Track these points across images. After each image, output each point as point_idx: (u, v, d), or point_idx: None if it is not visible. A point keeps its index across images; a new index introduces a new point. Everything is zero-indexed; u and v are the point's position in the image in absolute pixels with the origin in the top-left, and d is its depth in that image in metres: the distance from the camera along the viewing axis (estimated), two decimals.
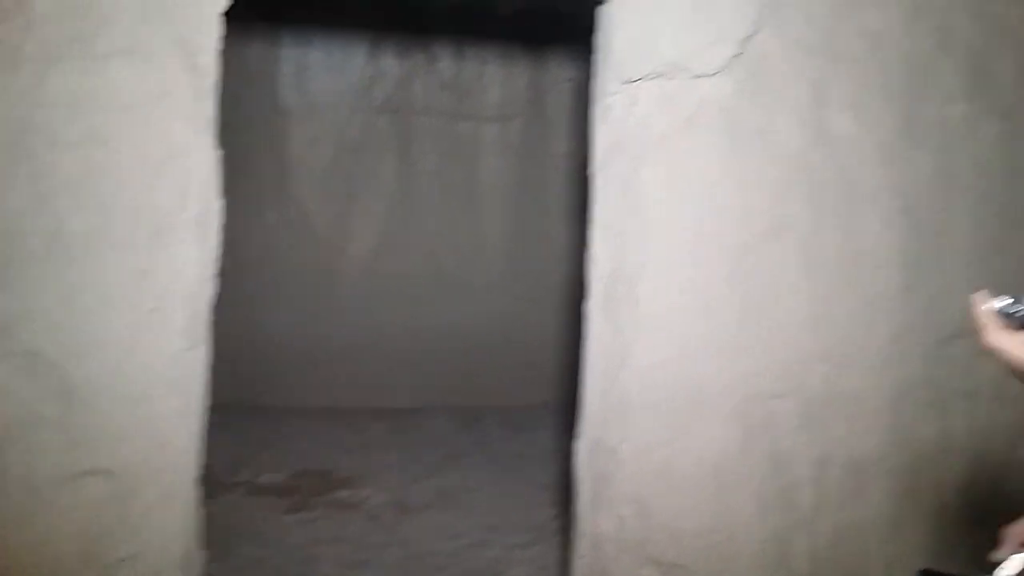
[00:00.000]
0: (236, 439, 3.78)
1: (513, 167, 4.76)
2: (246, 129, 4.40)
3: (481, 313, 4.84)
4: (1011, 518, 1.11)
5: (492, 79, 4.71)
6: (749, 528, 2.08)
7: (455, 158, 4.75)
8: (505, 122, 4.70)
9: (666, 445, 2.03)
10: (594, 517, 2.09)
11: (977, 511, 2.17)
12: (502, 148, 4.74)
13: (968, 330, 2.17)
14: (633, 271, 1.95)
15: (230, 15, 1.76)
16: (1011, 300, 0.89)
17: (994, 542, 1.04)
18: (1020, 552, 1.04)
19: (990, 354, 0.88)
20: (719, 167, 1.92)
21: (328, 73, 4.58)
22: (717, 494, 2.06)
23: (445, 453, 4.03)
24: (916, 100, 2.02)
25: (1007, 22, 2.04)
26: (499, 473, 3.81)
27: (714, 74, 1.85)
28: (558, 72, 4.70)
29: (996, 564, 1.03)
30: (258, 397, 4.36)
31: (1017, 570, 0.99)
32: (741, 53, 1.86)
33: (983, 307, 0.90)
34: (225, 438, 3.49)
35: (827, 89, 1.97)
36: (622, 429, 2.02)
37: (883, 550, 2.11)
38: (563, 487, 3.08)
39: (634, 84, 1.87)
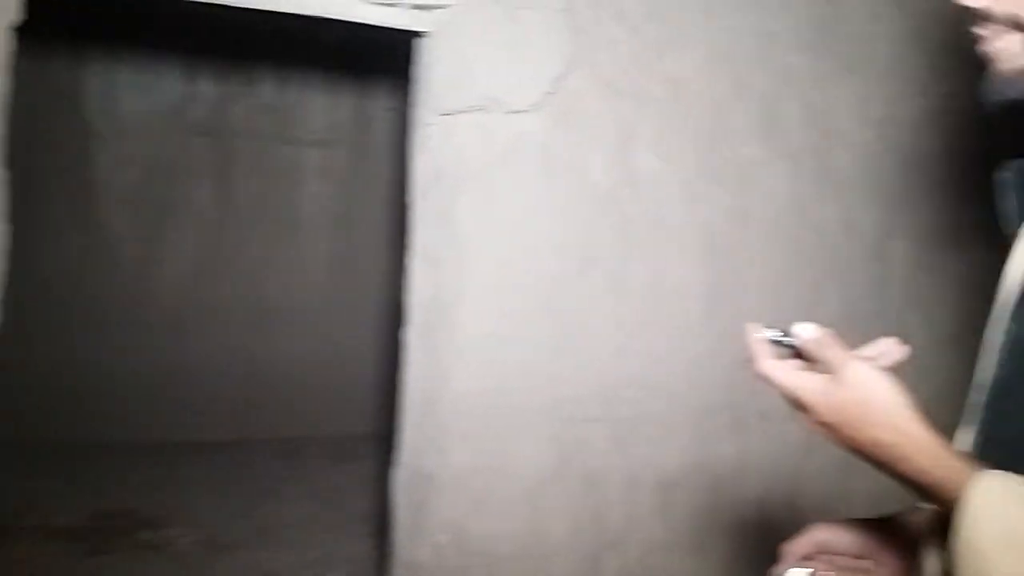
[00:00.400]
0: (24, 479, 3.51)
1: (337, 193, 4.71)
2: (49, 150, 4.13)
3: (303, 342, 4.74)
4: (796, 533, 1.20)
5: (315, 104, 4.66)
6: (563, 549, 2.13)
7: (276, 183, 4.65)
8: (328, 148, 4.66)
9: (483, 471, 2.06)
10: (411, 546, 2.08)
11: (773, 525, 2.33)
12: (325, 174, 4.69)
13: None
14: (451, 299, 1.97)
15: (27, 30, 1.66)
16: (779, 331, 0.93)
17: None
18: (798, 567, 1.11)
19: (761, 381, 0.92)
20: (534, 200, 1.99)
21: (139, 93, 4.38)
22: (533, 517, 2.11)
23: (262, 487, 3.90)
24: (714, 142, 2.17)
25: (793, 71, 2.24)
26: (319, 506, 3.72)
27: (529, 110, 1.92)
28: (382, 100, 4.71)
29: None
30: (56, 433, 4.06)
31: None
32: (555, 92, 1.94)
33: (754, 337, 0.93)
34: (8, 478, 3.22)
35: (634, 130, 2.08)
36: (440, 456, 2.04)
37: (687, 565, 2.23)
38: (384, 517, 3.05)
39: (451, 116, 1.91)
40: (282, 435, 4.58)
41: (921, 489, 0.82)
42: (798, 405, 0.88)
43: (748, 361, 0.89)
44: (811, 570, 1.05)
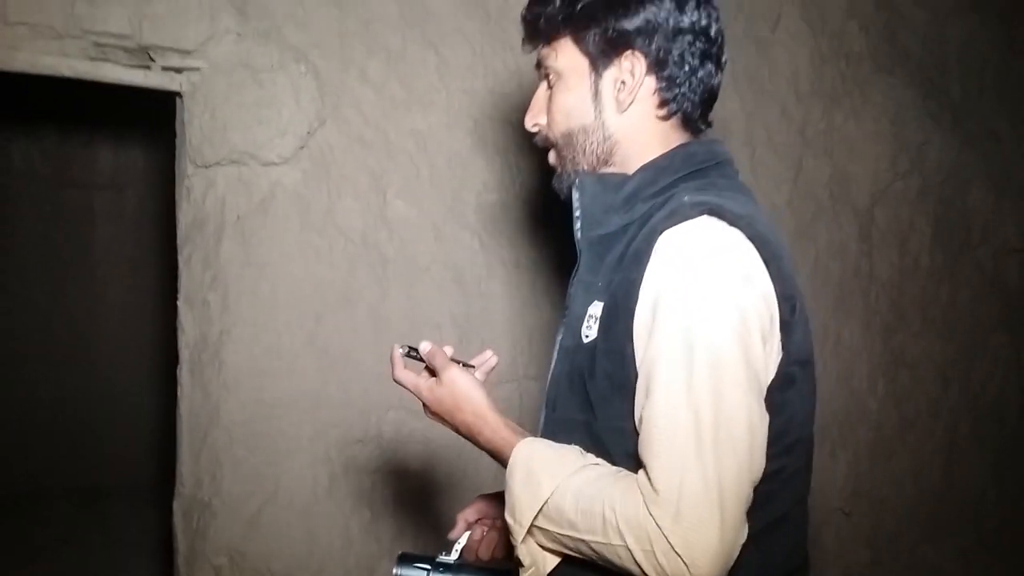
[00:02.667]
0: None
1: (129, 236, 4.70)
2: None
3: (99, 386, 4.67)
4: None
5: (103, 145, 4.64)
6: (336, 563, 2.32)
7: (64, 225, 4.58)
8: (118, 191, 4.64)
9: (257, 494, 2.22)
10: (191, 570, 2.21)
11: None
12: (115, 217, 4.66)
13: (515, 376, 2.60)
14: (217, 338, 2.13)
15: None
16: (409, 347, 1.27)
17: None
18: (468, 531, 1.40)
19: (397, 384, 1.27)
20: (293, 244, 2.19)
21: None
22: (306, 535, 2.28)
23: (59, 537, 3.83)
24: (459, 189, 2.44)
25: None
26: (120, 553, 3.71)
27: (282, 163, 2.12)
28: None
29: (452, 542, 1.36)
30: None
31: (462, 544, 1.35)
32: (306, 146, 2.15)
33: (393, 352, 1.26)
34: None
35: (386, 178, 2.33)
36: (214, 484, 2.18)
37: None
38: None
39: (210, 168, 2.08)
40: (81, 484, 4.49)
41: (493, 455, 1.18)
42: (420, 400, 1.25)
43: (391, 371, 1.27)
44: (469, 532, 1.35)
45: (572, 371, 1.18)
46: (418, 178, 2.37)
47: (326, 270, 2.25)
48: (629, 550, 1.00)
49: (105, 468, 4.56)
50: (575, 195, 1.23)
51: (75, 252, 4.52)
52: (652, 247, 1.07)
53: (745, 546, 1.02)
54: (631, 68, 1.18)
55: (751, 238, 1.07)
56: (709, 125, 1.27)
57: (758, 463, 1.03)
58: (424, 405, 1.25)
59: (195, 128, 2.07)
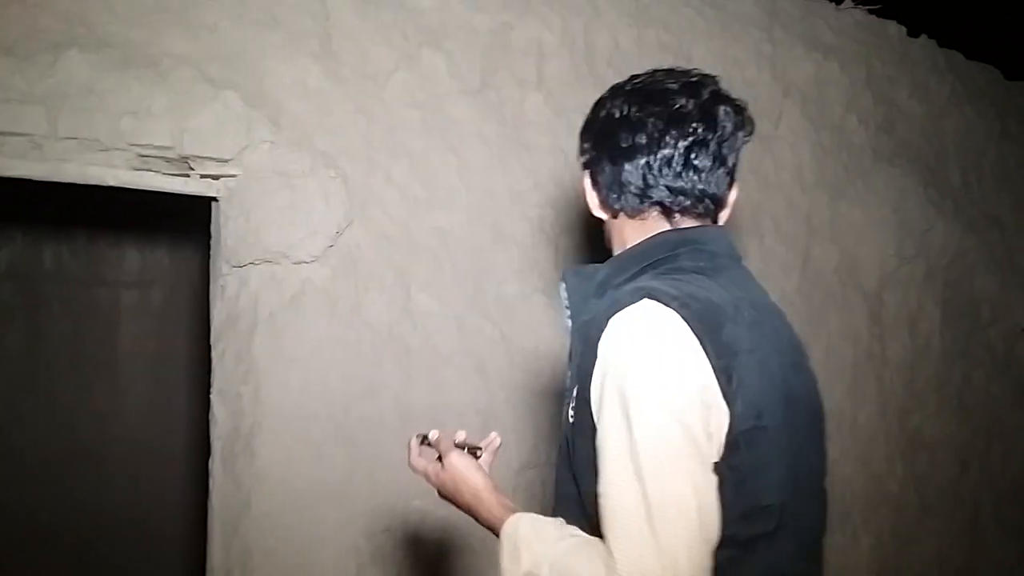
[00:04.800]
0: None
1: (153, 334, 4.79)
2: None
3: (120, 487, 4.67)
4: None
5: (130, 245, 4.76)
6: None
7: (90, 324, 4.68)
8: (144, 288, 4.76)
9: None
10: None
11: None
12: (141, 314, 4.76)
13: (536, 463, 2.65)
14: (248, 430, 2.21)
15: None
16: (424, 435, 1.44)
17: None
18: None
19: (414, 471, 1.44)
20: (322, 338, 2.28)
21: None
22: None
23: None
24: (480, 281, 2.54)
25: (545, 223, 2.67)
26: None
27: (312, 261, 2.23)
28: (193, 247, 4.88)
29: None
30: None
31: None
32: (334, 244, 2.26)
33: (410, 441, 1.45)
34: None
35: (410, 273, 2.43)
36: (245, 574, 2.22)
37: None
38: None
39: (243, 268, 2.19)
40: None
41: (491, 531, 1.30)
42: (429, 484, 1.41)
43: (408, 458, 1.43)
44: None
45: (563, 449, 1.30)
46: (440, 272, 2.47)
47: (353, 362, 2.33)
48: None
49: (132, 566, 4.55)
50: (562, 287, 1.38)
51: (99, 351, 4.61)
52: (600, 333, 1.19)
53: None
54: (584, 181, 1.41)
55: (685, 317, 1.15)
56: (704, 210, 1.32)
57: (710, 528, 1.10)
58: (434, 486, 1.41)
59: (230, 230, 2.19)
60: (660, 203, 1.30)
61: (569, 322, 1.35)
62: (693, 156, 1.28)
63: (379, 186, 2.37)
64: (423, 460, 1.42)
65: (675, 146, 1.28)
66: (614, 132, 1.31)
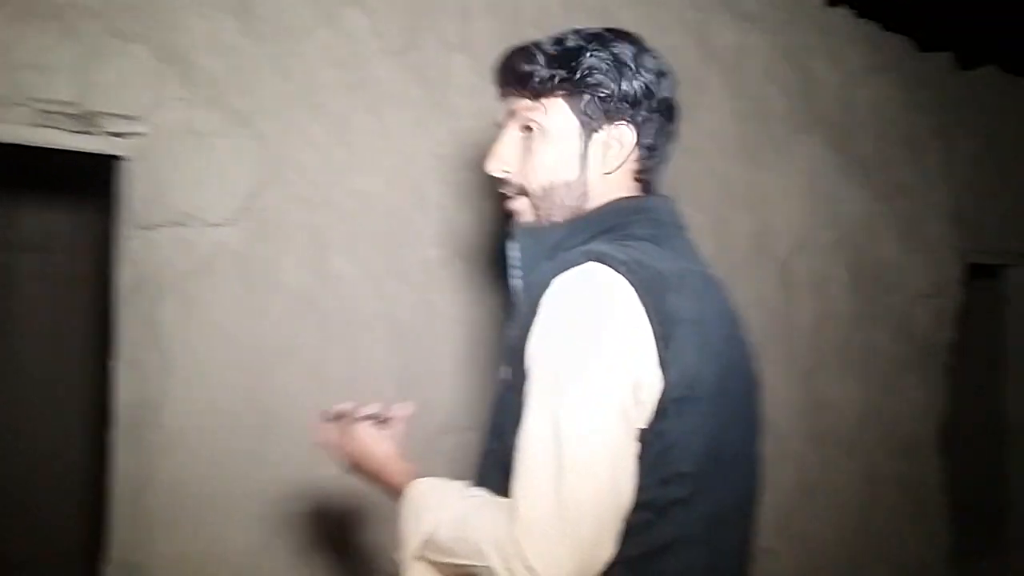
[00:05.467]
0: None
1: (52, 299, 4.55)
2: None
3: (23, 456, 4.48)
4: None
5: (29, 206, 4.51)
6: None
7: None
8: (44, 252, 4.52)
9: (193, 555, 2.21)
10: None
11: None
12: (40, 279, 4.52)
13: (456, 427, 2.66)
14: (155, 398, 2.14)
15: None
16: (328, 410, 1.44)
17: None
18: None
19: (322, 448, 1.44)
20: (233, 302, 2.21)
21: None
22: None
23: None
24: (400, 246, 2.50)
25: (468, 188, 2.63)
26: None
27: (225, 223, 2.15)
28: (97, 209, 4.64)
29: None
30: None
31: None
32: (248, 206, 2.18)
33: (317, 417, 1.45)
34: None
35: (327, 236, 2.37)
36: (148, 547, 2.17)
37: None
38: None
39: (151, 230, 2.10)
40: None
41: (394, 494, 1.31)
42: (337, 457, 1.42)
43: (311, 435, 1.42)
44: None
45: (494, 407, 1.29)
46: (359, 236, 2.42)
47: (267, 327, 2.28)
48: (493, 570, 1.10)
49: (29, 537, 4.40)
50: (512, 245, 1.34)
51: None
52: (543, 293, 1.18)
53: (618, 570, 1.12)
54: (620, 136, 1.28)
55: (632, 282, 1.15)
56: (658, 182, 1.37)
57: (623, 490, 1.11)
58: (339, 458, 1.42)
59: (137, 191, 2.09)
60: (645, 168, 1.32)
61: (519, 282, 1.31)
62: (674, 122, 1.33)
63: (296, 147, 2.30)
64: (328, 435, 1.43)
65: (669, 108, 1.33)
66: (655, 89, 1.29)
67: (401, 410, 1.47)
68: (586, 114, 1.27)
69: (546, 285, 1.18)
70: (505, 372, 1.25)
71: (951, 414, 4.18)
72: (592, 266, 1.16)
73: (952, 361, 4.18)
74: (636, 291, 1.14)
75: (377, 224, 2.46)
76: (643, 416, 1.13)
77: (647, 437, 1.13)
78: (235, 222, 2.19)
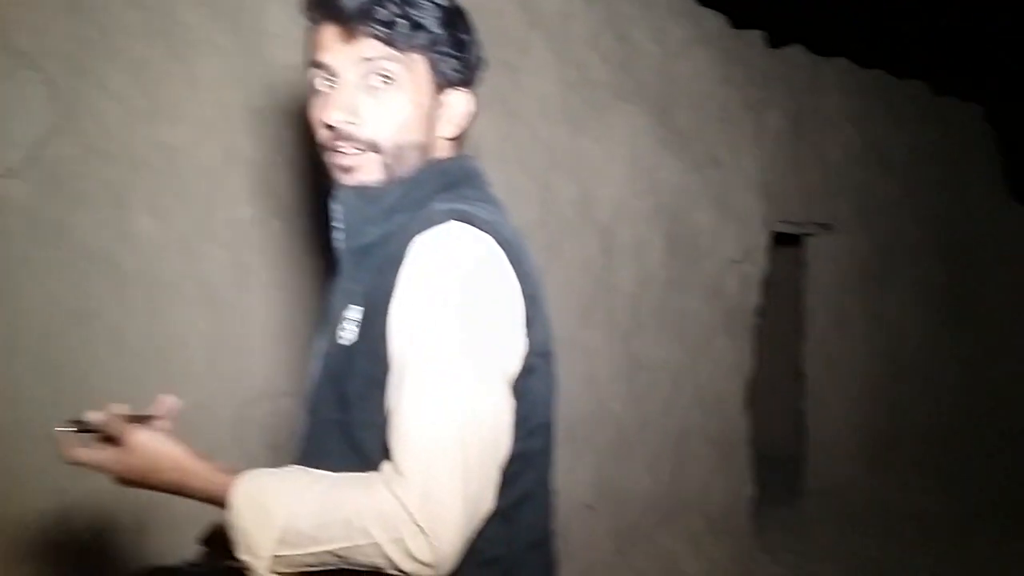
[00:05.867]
0: None
1: None
2: None
3: None
4: None
5: None
6: None
7: None
8: None
9: None
10: None
11: None
12: None
13: (271, 393, 2.57)
14: None
15: None
16: (78, 420, 1.18)
17: None
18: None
19: (81, 467, 1.18)
20: (20, 260, 2.03)
21: None
22: (38, 571, 2.14)
23: None
24: (210, 204, 2.37)
25: (284, 144, 2.53)
26: None
27: (8, 175, 1.97)
28: None
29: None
30: None
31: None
32: (35, 157, 2.01)
33: (57, 431, 1.18)
34: None
35: (128, 192, 2.22)
36: None
37: None
38: None
39: None
40: None
41: (211, 502, 1.16)
42: (107, 473, 1.17)
43: (61, 454, 1.16)
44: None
45: (330, 374, 1.21)
46: (164, 192, 2.28)
47: (58, 287, 2.11)
48: (377, 544, 1.04)
49: None
50: (335, 206, 1.26)
51: None
52: (406, 252, 1.14)
53: (493, 522, 1.12)
54: (465, 102, 1.28)
55: (498, 241, 1.15)
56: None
57: (504, 445, 1.12)
58: (111, 476, 1.17)
59: None
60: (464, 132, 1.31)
61: (342, 244, 1.26)
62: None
63: (91, 93, 2.12)
64: (88, 451, 1.17)
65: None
66: (478, 47, 1.29)
67: (164, 405, 1.27)
68: (442, 76, 1.24)
69: (403, 244, 1.14)
70: (345, 337, 1.19)
71: (756, 373, 4.46)
72: (459, 226, 1.13)
73: (758, 323, 4.45)
74: (503, 250, 1.15)
75: (184, 180, 2.32)
76: (514, 372, 1.15)
77: (517, 393, 1.15)
78: (21, 173, 2.01)
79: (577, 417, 3.42)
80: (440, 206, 1.17)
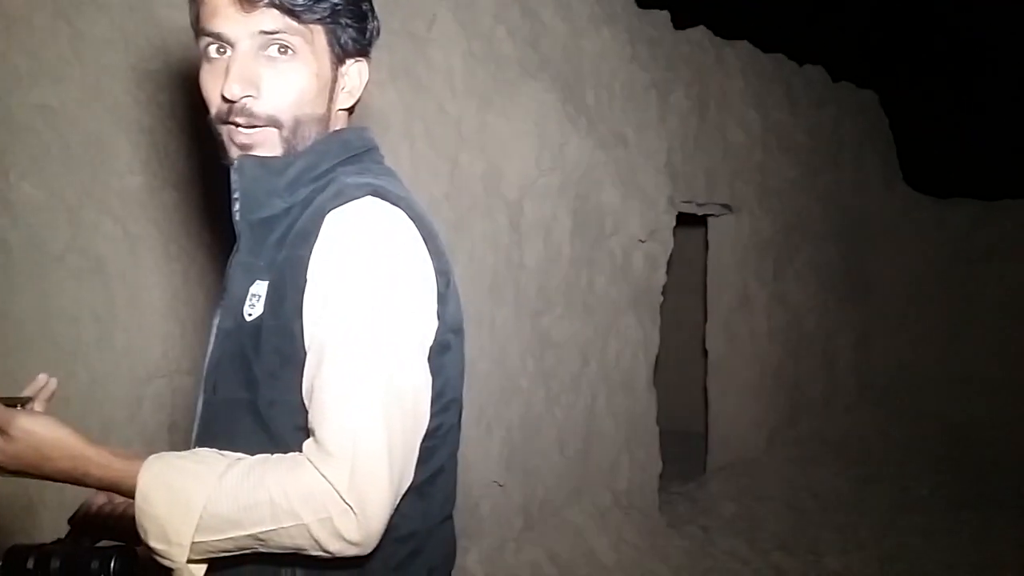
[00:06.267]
0: None
1: None
2: None
3: None
4: None
5: None
6: None
7: None
8: None
9: None
10: None
11: None
12: None
13: (166, 371, 2.47)
14: None
15: None
16: None
17: None
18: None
19: None
20: None
21: None
22: None
23: None
24: (98, 171, 2.26)
25: (177, 108, 2.43)
26: None
27: None
28: None
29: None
30: None
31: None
32: None
33: None
34: None
35: (8, 157, 2.09)
36: None
37: None
38: None
39: None
40: None
41: (112, 489, 1.09)
42: None
43: None
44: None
45: (234, 351, 1.17)
46: (48, 158, 2.16)
47: None
48: (304, 525, 1.02)
49: None
50: (234, 177, 1.21)
51: None
52: (319, 227, 1.11)
53: (409, 497, 1.11)
54: (361, 72, 1.25)
55: (411, 217, 1.14)
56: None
57: (424, 421, 1.12)
58: None
59: None
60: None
61: (237, 215, 1.21)
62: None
63: None
64: None
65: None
66: (375, 16, 1.25)
67: (41, 386, 1.20)
68: (341, 47, 1.20)
69: (314, 219, 1.11)
70: (247, 312, 1.15)
71: (661, 350, 4.53)
72: (373, 201, 1.12)
73: (663, 301, 4.52)
74: (418, 229, 1.14)
75: (69, 145, 2.20)
76: (429, 348, 1.14)
77: (432, 370, 1.14)
78: None
79: (487, 394, 3.41)
80: (350, 179, 1.15)
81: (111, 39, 2.24)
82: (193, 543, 1.04)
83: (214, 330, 1.24)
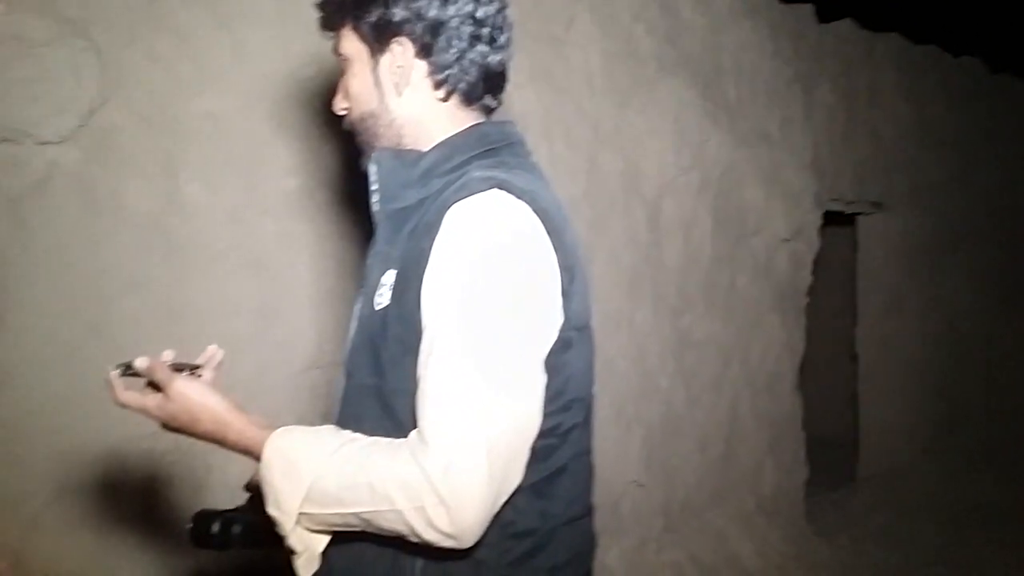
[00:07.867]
0: None
1: None
2: None
3: None
4: None
5: None
6: (128, 560, 2.21)
7: None
8: None
9: (38, 495, 2.07)
10: None
11: None
12: None
13: (322, 363, 2.57)
14: None
15: None
16: (125, 366, 1.22)
17: None
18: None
19: (127, 409, 1.23)
20: (73, 227, 2.06)
21: None
22: (95, 535, 2.17)
23: None
24: (258, 174, 2.39)
25: (330, 112, 2.53)
26: None
27: (61, 142, 2.00)
28: None
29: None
30: None
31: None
32: (85, 124, 2.03)
33: (107, 375, 1.22)
34: None
35: (177, 160, 2.24)
36: None
37: None
38: None
39: None
40: None
41: (247, 454, 1.18)
42: (151, 419, 1.22)
43: (110, 396, 1.21)
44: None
45: (366, 338, 1.21)
46: (212, 162, 2.30)
47: (112, 255, 2.14)
48: (399, 511, 1.04)
49: None
50: (372, 169, 1.27)
51: None
52: (443, 218, 1.13)
53: (523, 495, 1.12)
54: (401, 53, 1.24)
55: (536, 211, 1.14)
56: (499, 103, 1.32)
57: (535, 421, 1.11)
58: (156, 421, 1.22)
59: None
60: (458, 89, 1.26)
61: (376, 207, 1.27)
62: (504, 36, 1.28)
63: (139, 62, 2.14)
64: (134, 394, 1.22)
65: (467, 21, 1.25)
66: (428, 5, 1.23)
67: (210, 356, 1.30)
68: (368, 39, 1.24)
69: (440, 210, 1.13)
70: (377, 301, 1.19)
71: (808, 353, 4.38)
72: (498, 194, 1.12)
73: (809, 303, 4.37)
74: (541, 221, 1.13)
75: (232, 149, 2.33)
76: (549, 346, 1.14)
77: (551, 367, 1.13)
78: (72, 141, 2.04)
79: (625, 393, 3.39)
80: (478, 173, 1.16)
81: (269, 47, 2.36)
82: (301, 514, 1.10)
83: (354, 317, 1.29)
